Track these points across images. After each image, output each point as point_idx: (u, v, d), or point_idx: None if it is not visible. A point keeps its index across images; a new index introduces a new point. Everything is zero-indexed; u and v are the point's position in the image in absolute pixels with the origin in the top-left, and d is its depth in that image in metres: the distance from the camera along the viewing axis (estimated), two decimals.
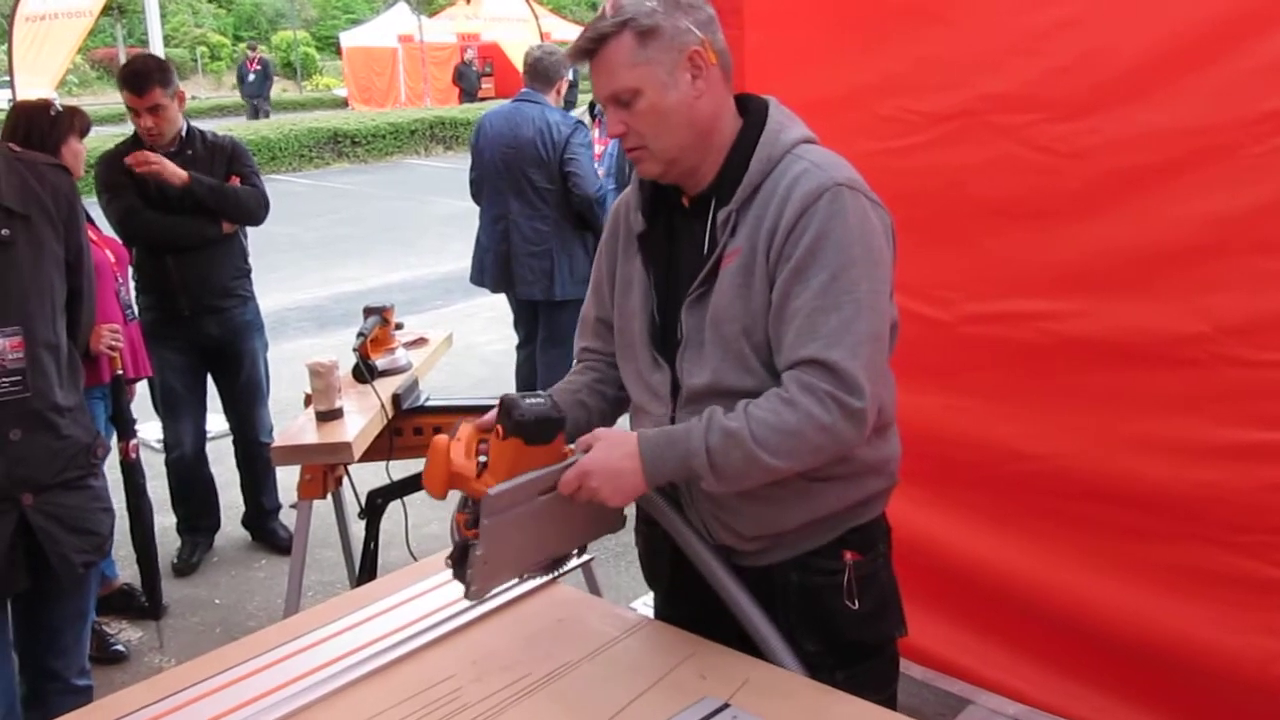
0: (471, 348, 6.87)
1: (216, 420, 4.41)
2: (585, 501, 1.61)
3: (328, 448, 2.91)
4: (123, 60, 12.84)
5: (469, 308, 7.91)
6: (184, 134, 3.87)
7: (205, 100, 26.78)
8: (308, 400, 3.10)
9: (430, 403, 3.22)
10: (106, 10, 12.74)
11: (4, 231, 2.11)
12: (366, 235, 11.71)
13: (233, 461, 4.31)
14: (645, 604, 2.09)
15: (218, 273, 3.95)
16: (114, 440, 3.22)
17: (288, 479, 3.71)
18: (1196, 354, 2.12)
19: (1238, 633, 2.15)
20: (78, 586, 2.37)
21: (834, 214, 1.58)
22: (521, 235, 4.70)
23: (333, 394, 3.01)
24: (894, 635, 1.85)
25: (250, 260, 4.14)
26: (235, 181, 3.91)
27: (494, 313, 7.15)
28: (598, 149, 5.04)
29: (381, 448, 3.06)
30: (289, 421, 3.30)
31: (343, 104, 27.03)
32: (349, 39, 27.77)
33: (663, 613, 1.93)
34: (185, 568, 4.11)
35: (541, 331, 4.89)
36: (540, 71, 4.74)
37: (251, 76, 21.94)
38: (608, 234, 1.87)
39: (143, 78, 3.73)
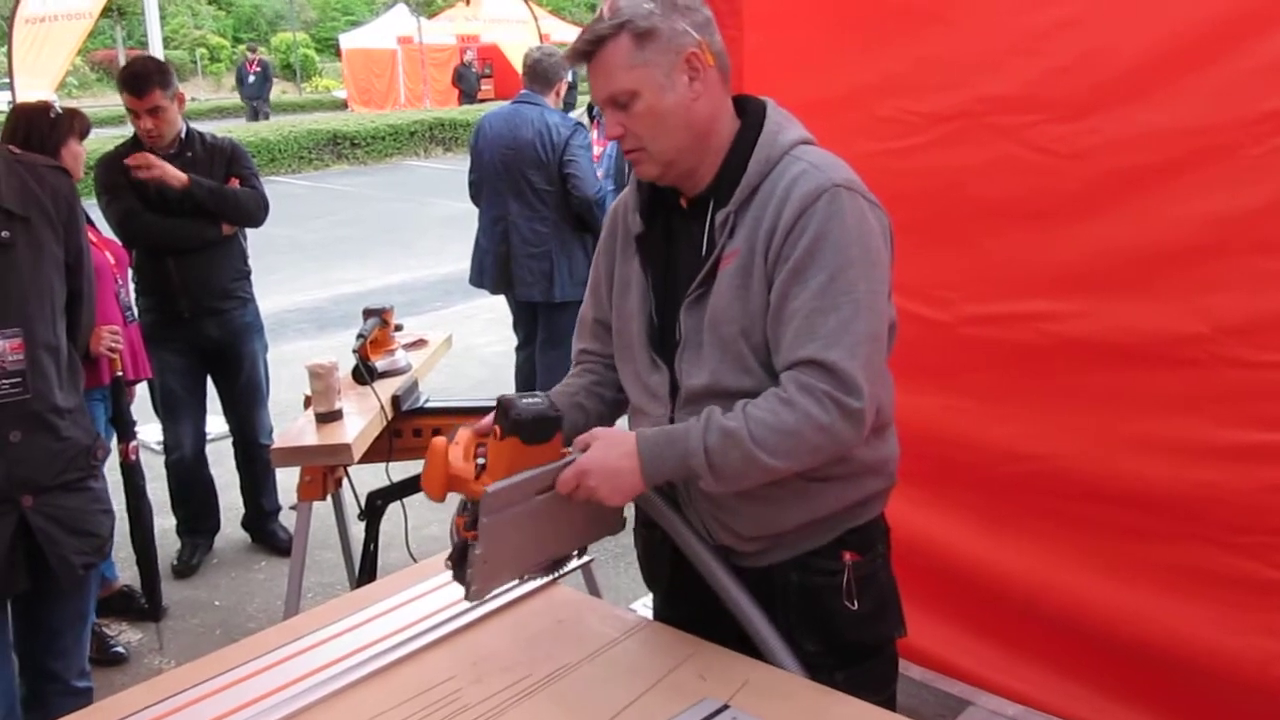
0: (471, 349, 6.87)
1: (216, 422, 4.41)
2: (584, 502, 1.61)
3: (327, 449, 2.91)
4: (122, 62, 12.86)
5: (468, 309, 7.91)
6: (183, 136, 3.87)
7: (205, 102, 26.78)
8: (307, 402, 3.10)
9: (430, 404, 3.23)
10: (106, 12, 12.75)
11: (4, 234, 2.11)
12: (366, 237, 11.71)
13: (232, 463, 4.31)
14: (645, 605, 2.09)
15: (217, 275, 3.95)
16: (114, 442, 3.22)
17: (287, 481, 3.71)
18: (1196, 354, 2.12)
19: (1237, 633, 2.15)
20: (77, 588, 2.37)
21: (832, 215, 1.58)
22: (521, 237, 4.71)
23: (332, 396, 3.01)
24: (893, 636, 1.85)
25: (250, 262, 4.14)
26: (235, 183, 3.91)
27: (493, 314, 7.15)
28: (596, 150, 5.04)
29: (381, 449, 3.06)
30: (289, 423, 3.30)
31: (342, 106, 27.03)
32: (348, 41, 27.78)
33: (662, 614, 1.93)
34: (185, 569, 4.11)
35: (541, 333, 4.90)
36: (539, 73, 4.74)
37: (251, 78, 21.94)
38: (605, 235, 1.87)
39: (142, 79, 3.73)
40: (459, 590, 1.62)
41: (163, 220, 3.79)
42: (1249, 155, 2.01)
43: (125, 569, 3.73)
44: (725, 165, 1.69)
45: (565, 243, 4.70)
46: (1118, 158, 2.17)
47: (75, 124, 3.29)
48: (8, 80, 7.12)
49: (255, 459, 4.19)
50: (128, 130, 4.00)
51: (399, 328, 3.55)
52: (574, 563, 1.84)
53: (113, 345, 3.22)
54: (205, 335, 3.98)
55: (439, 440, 1.62)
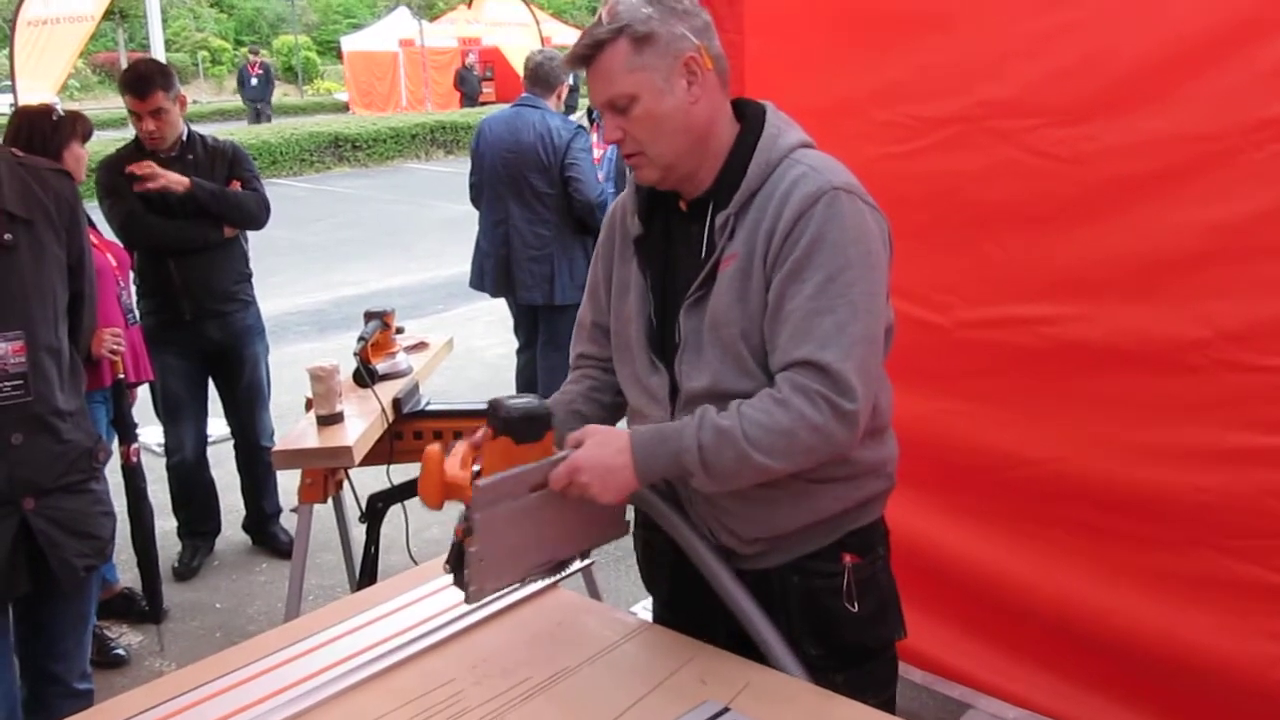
0: (472, 352, 6.87)
1: (217, 424, 4.42)
2: (578, 499, 1.61)
3: (328, 452, 2.92)
4: (124, 65, 12.86)
5: (469, 312, 7.92)
6: (185, 138, 3.88)
7: (206, 104, 26.83)
8: (308, 404, 3.10)
9: (431, 407, 3.23)
10: (108, 15, 12.75)
11: (6, 236, 2.11)
12: (367, 239, 11.72)
13: (233, 465, 4.31)
14: (645, 608, 2.09)
15: (219, 277, 3.95)
16: (115, 444, 3.22)
17: (288, 483, 3.71)
18: (1197, 359, 2.12)
19: (1238, 637, 2.15)
20: (79, 590, 2.38)
21: (831, 217, 1.59)
22: (522, 240, 4.71)
23: (333, 398, 3.02)
24: (893, 638, 1.85)
25: (251, 264, 4.15)
26: (236, 186, 3.92)
27: (494, 317, 7.16)
28: (596, 153, 5.05)
29: (382, 452, 3.07)
30: (290, 425, 3.30)
31: (344, 108, 27.08)
32: (350, 43, 27.82)
33: (662, 617, 1.93)
34: (186, 572, 4.12)
35: (542, 335, 4.90)
36: (541, 76, 4.75)
37: (254, 81, 21.98)
38: (604, 238, 1.87)
39: (145, 81, 3.74)
40: (460, 593, 1.62)
41: (164, 223, 3.80)
42: (1249, 161, 2.01)
43: (126, 571, 3.73)
44: (725, 168, 1.69)
45: (566, 246, 4.70)
46: (1118, 163, 2.17)
47: (77, 127, 3.30)
48: (9, 83, 7.14)
49: (256, 461, 4.20)
50: (129, 133, 4.00)
51: (400, 330, 3.55)
52: (575, 565, 1.84)
53: (114, 347, 3.22)
54: (207, 337, 3.98)
55: (433, 449, 1.62)
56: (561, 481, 1.59)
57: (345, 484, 3.11)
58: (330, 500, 3.20)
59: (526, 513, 1.62)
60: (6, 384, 2.11)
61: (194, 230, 3.84)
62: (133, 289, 3.73)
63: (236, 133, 16.92)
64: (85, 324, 2.37)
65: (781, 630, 1.72)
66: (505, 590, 1.75)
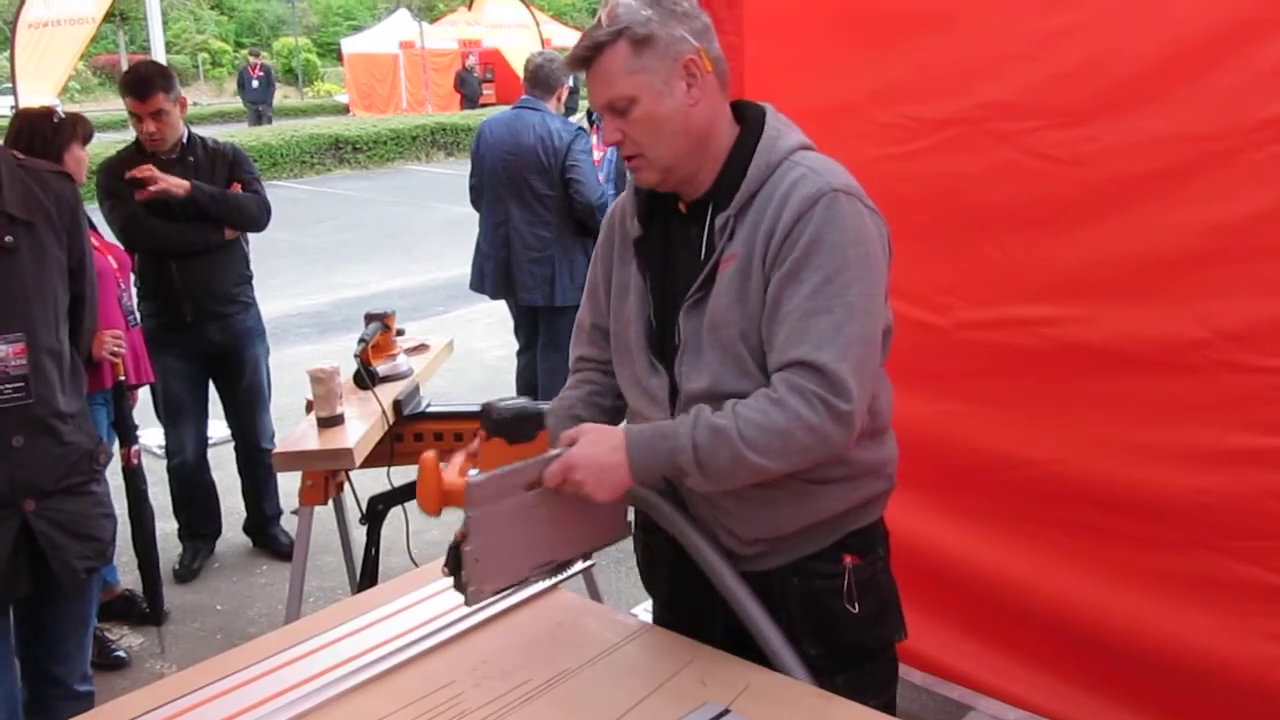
0: (472, 354, 6.88)
1: (218, 426, 4.42)
2: (575, 500, 1.60)
3: (329, 454, 2.92)
4: (125, 67, 12.87)
5: (470, 313, 7.92)
6: (185, 140, 3.88)
7: (207, 106, 26.87)
8: (309, 406, 3.10)
9: (431, 409, 3.23)
10: (108, 17, 12.76)
11: (7, 238, 2.12)
12: (368, 241, 11.72)
13: (234, 467, 4.31)
14: (645, 610, 2.09)
15: (220, 279, 3.96)
16: (115, 446, 3.22)
17: (289, 485, 3.71)
18: (1196, 360, 2.12)
19: (1238, 638, 2.15)
20: (80, 592, 2.38)
21: (830, 219, 1.59)
22: (523, 241, 4.72)
23: (334, 400, 3.02)
24: (894, 638, 1.85)
25: (251, 266, 4.15)
26: (237, 188, 3.92)
27: (494, 319, 7.16)
28: (596, 155, 5.05)
29: (383, 453, 3.07)
30: (290, 427, 3.30)
31: (344, 110, 27.08)
32: (350, 45, 27.82)
33: (662, 619, 1.93)
34: (186, 574, 4.12)
35: (542, 337, 4.90)
36: (541, 78, 4.75)
37: (255, 83, 22.01)
38: (603, 239, 1.87)
39: (146, 83, 3.74)
40: (460, 595, 1.62)
41: (165, 225, 3.80)
42: (1250, 161, 2.01)
43: (126, 573, 3.74)
44: (725, 170, 1.69)
45: (567, 247, 4.71)
46: (1118, 164, 2.17)
47: (78, 129, 3.30)
48: (10, 85, 7.15)
49: (257, 463, 4.20)
50: (130, 135, 4.01)
51: (400, 332, 3.55)
52: (576, 566, 1.84)
53: (115, 349, 3.22)
54: (207, 340, 3.98)
55: (428, 456, 1.63)
56: (556, 479, 1.59)
57: (346, 486, 3.11)
58: (331, 502, 3.20)
59: (523, 512, 1.61)
60: (7, 386, 2.11)
61: (195, 233, 3.84)
62: (133, 291, 3.73)
63: (237, 135, 16.95)
64: (86, 326, 2.38)
65: (782, 631, 1.72)
66: (506, 592, 1.74)
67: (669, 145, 1.65)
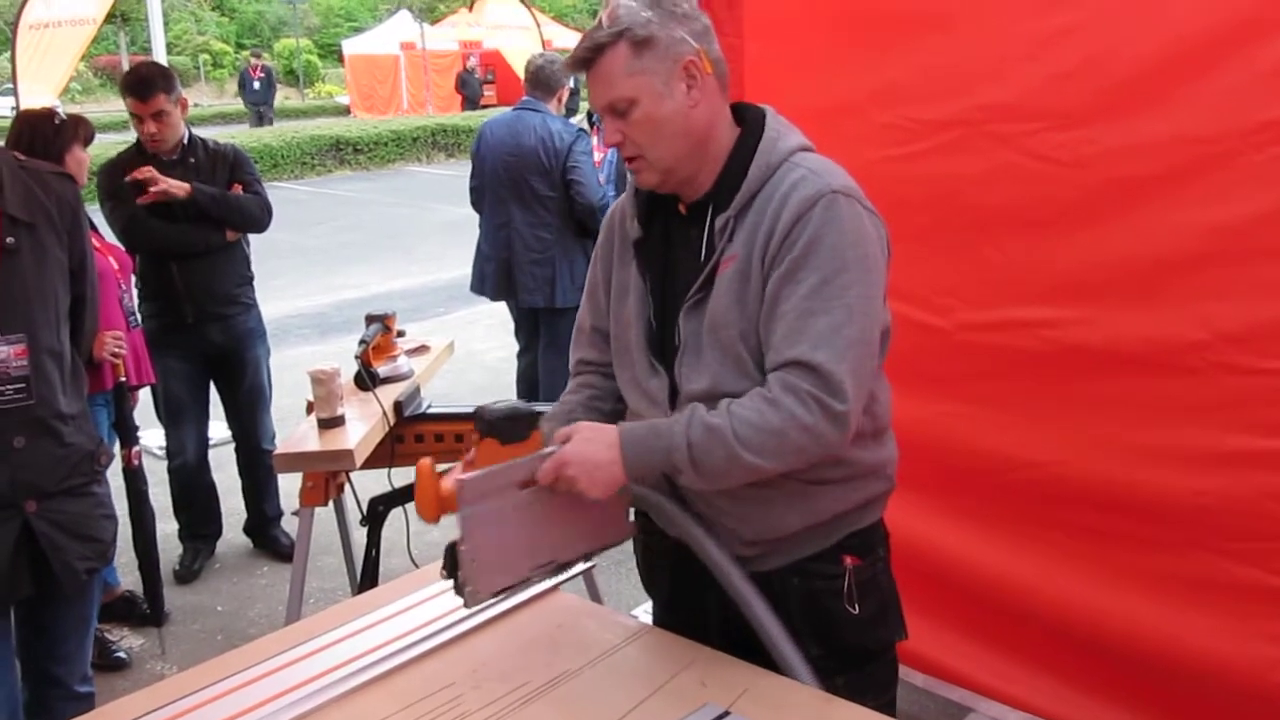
0: (473, 355, 6.88)
1: (219, 427, 4.42)
2: (571, 498, 1.60)
3: (329, 455, 2.92)
4: (125, 68, 12.88)
5: (470, 315, 7.92)
6: (186, 142, 3.89)
7: (208, 108, 26.88)
8: (309, 407, 3.10)
9: (432, 410, 3.23)
10: (109, 18, 12.77)
11: (9, 239, 2.12)
12: (368, 242, 11.73)
13: (235, 468, 4.31)
14: (646, 612, 2.09)
15: (221, 280, 3.96)
16: (116, 447, 3.22)
17: (290, 486, 3.71)
18: (1196, 362, 2.13)
19: (1238, 640, 2.16)
20: (80, 593, 2.38)
21: (828, 220, 1.59)
22: (524, 243, 4.72)
23: (334, 401, 3.02)
24: (894, 639, 1.85)
25: (252, 267, 4.15)
26: (238, 189, 3.92)
27: (495, 320, 7.16)
28: (597, 156, 5.06)
29: (383, 455, 3.07)
30: (291, 428, 3.30)
31: (345, 111, 27.09)
32: (351, 47, 27.84)
33: (662, 620, 1.93)
34: (187, 575, 4.12)
35: (543, 338, 4.90)
36: (542, 80, 4.76)
37: (256, 84, 22.03)
38: (602, 241, 1.88)
39: (147, 83, 3.74)
40: (460, 597, 1.62)
41: (166, 226, 3.80)
42: (1249, 163, 2.01)
43: (127, 574, 3.74)
44: (725, 171, 1.69)
45: (568, 249, 4.71)
46: (1118, 166, 2.17)
47: (79, 130, 3.30)
48: (11, 86, 7.15)
49: (258, 464, 4.20)
50: (131, 136, 4.01)
51: (401, 333, 3.55)
52: (578, 566, 1.84)
53: (116, 350, 3.22)
54: (208, 341, 3.99)
55: (424, 463, 1.62)
56: (549, 476, 1.59)
57: (346, 487, 3.11)
58: (331, 503, 3.20)
59: (518, 511, 1.61)
60: (9, 387, 2.12)
61: (196, 234, 3.84)
62: (134, 292, 3.74)
63: (238, 136, 16.95)
64: (87, 327, 2.38)
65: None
66: (506, 594, 1.74)
67: (669, 146, 1.65)
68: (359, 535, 3.10)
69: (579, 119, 5.81)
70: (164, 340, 3.86)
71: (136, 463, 3.24)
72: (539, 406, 1.76)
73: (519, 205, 4.70)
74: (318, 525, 3.16)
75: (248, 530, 4.38)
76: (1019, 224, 2.34)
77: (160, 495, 3.93)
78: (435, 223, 12.61)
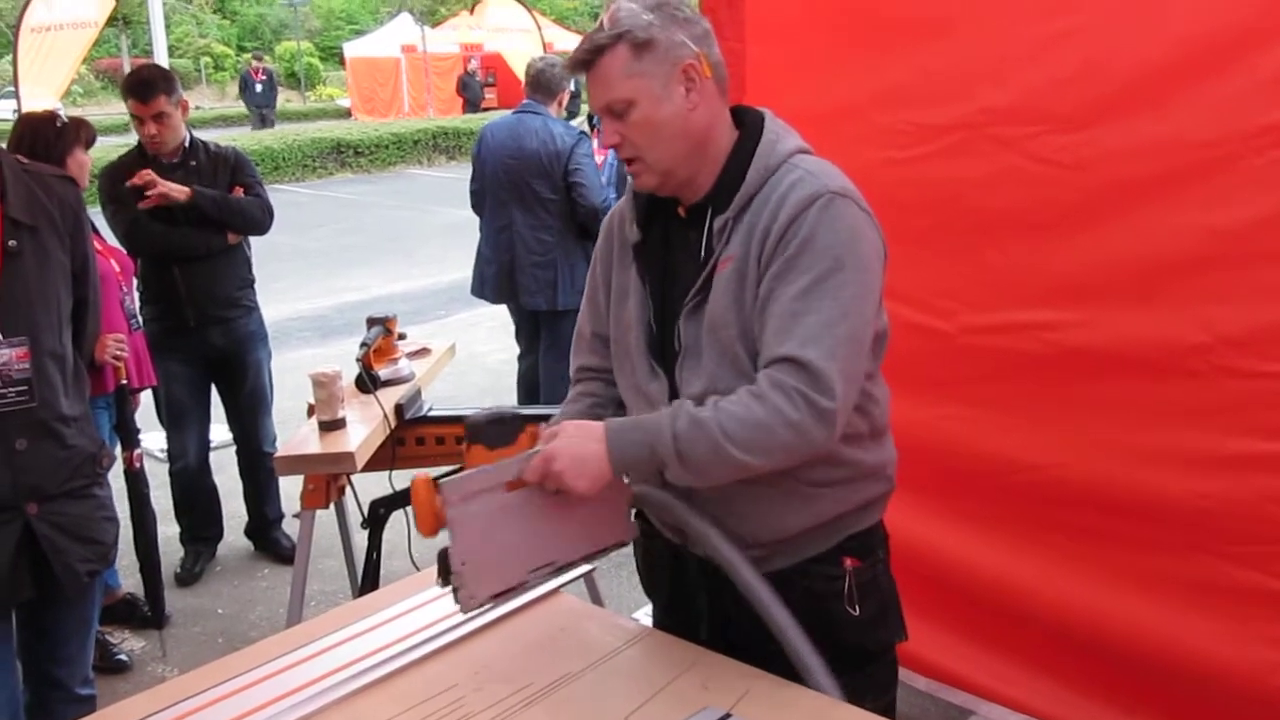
0: (474, 357, 6.88)
1: (220, 430, 4.42)
2: (561, 495, 1.59)
3: (331, 458, 2.92)
4: (127, 70, 12.88)
5: (472, 317, 7.92)
6: (187, 144, 3.89)
7: (209, 110, 26.90)
8: (311, 410, 3.10)
9: (433, 413, 3.23)
10: (111, 21, 12.80)
11: (11, 243, 2.12)
12: (370, 245, 11.73)
13: (236, 471, 4.32)
14: (647, 614, 2.09)
15: (222, 283, 3.96)
16: (118, 450, 3.22)
17: (291, 488, 3.71)
18: (1197, 365, 2.13)
19: (1239, 643, 2.15)
20: (82, 595, 2.38)
21: (824, 220, 1.59)
22: (526, 246, 4.72)
23: (336, 404, 3.02)
24: (894, 640, 1.85)
25: (254, 270, 4.15)
26: (239, 192, 3.92)
27: (496, 323, 7.16)
28: (598, 159, 5.06)
29: (384, 458, 3.07)
30: (292, 431, 3.30)
31: (346, 114, 27.11)
32: (352, 49, 27.86)
33: (662, 623, 1.93)
34: (188, 577, 4.12)
35: (544, 340, 4.91)
36: (542, 83, 4.76)
37: (258, 86, 22.05)
38: (601, 244, 1.87)
39: (148, 85, 3.75)
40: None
41: (168, 229, 3.80)
42: (1250, 167, 2.01)
43: (128, 577, 3.74)
44: (724, 174, 1.69)
45: (569, 251, 4.71)
46: (1119, 169, 2.18)
47: (81, 133, 3.31)
48: (13, 89, 7.16)
49: (259, 467, 4.20)
50: (132, 138, 4.01)
51: (402, 336, 3.56)
52: (579, 569, 1.84)
53: (118, 353, 3.22)
54: (210, 343, 3.99)
55: (419, 478, 1.62)
56: (536, 473, 1.58)
57: (347, 490, 3.11)
58: (332, 506, 3.20)
59: (508, 513, 1.61)
60: (11, 390, 2.12)
61: (197, 237, 3.85)
62: (136, 295, 3.74)
63: (239, 138, 16.96)
64: (89, 330, 2.38)
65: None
66: (504, 599, 1.73)
67: (667, 148, 1.66)
68: (360, 538, 3.11)
69: (579, 122, 5.80)
70: (165, 343, 3.87)
71: (138, 465, 3.24)
72: (526, 411, 1.76)
73: (520, 208, 4.70)
74: (319, 528, 3.16)
75: (249, 533, 4.39)
76: (1020, 227, 2.34)
77: (161, 498, 3.94)
78: (436, 225, 12.62)
